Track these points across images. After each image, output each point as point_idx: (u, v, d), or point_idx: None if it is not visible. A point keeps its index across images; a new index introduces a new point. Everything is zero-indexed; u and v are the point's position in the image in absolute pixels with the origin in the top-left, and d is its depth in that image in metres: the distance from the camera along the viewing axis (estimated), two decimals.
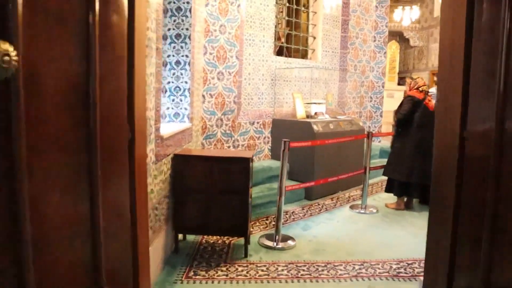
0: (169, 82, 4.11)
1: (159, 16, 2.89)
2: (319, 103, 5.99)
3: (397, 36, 14.74)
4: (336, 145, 5.53)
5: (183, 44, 4.06)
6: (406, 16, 12.55)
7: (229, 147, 5.22)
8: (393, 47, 14.24)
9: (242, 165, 3.39)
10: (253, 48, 5.44)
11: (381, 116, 7.85)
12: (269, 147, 5.81)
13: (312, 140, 5.13)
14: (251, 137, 5.50)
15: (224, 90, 5.07)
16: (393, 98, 12.89)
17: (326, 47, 6.75)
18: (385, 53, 7.76)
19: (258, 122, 5.57)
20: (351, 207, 5.03)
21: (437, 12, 13.97)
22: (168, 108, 4.15)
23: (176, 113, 4.15)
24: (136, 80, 2.04)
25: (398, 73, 15.18)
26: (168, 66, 4.09)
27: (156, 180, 3.00)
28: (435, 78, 13.82)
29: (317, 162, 5.27)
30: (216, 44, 4.90)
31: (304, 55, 6.66)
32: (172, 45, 4.06)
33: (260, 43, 5.54)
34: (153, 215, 2.93)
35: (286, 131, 5.59)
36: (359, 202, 5.17)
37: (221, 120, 5.08)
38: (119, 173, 1.98)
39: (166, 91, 4.12)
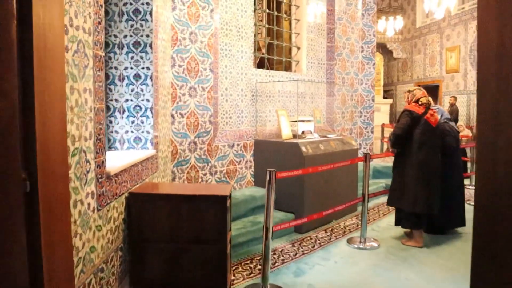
0: (127, 100, 3.37)
1: (99, 14, 2.17)
2: (306, 121, 5.31)
3: (380, 48, 14.34)
4: (326, 163, 4.85)
5: (143, 54, 3.33)
6: (390, 27, 12.12)
7: (205, 174, 4.47)
8: (377, 59, 13.80)
9: (217, 205, 2.65)
10: (229, 59, 4.76)
11: (372, 132, 7.23)
12: (252, 172, 5.09)
13: (300, 164, 4.44)
14: (230, 161, 4.77)
15: (197, 108, 4.35)
16: (379, 112, 12.37)
17: (312, 58, 6.12)
18: (374, 64, 7.19)
19: (238, 144, 4.86)
20: (349, 241, 4.31)
21: (419, 23, 13.67)
22: (127, 132, 3.39)
23: (137, 138, 3.40)
24: (40, 100, 1.30)
25: (383, 86, 14.75)
26: (126, 81, 3.35)
27: (101, 232, 2.24)
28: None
29: (307, 188, 4.56)
30: (186, 55, 4.19)
31: (287, 68, 6.01)
32: (130, 55, 3.34)
33: (238, 54, 4.86)
34: (95, 281, 2.16)
35: (271, 154, 4.88)
36: (357, 234, 4.47)
37: (195, 143, 4.35)
38: (8, 248, 1.25)
39: (124, 111, 3.38)
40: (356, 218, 5.19)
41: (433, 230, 4.43)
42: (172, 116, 4.11)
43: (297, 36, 6.04)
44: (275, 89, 5.43)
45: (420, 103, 4.09)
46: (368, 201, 4.28)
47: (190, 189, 3.02)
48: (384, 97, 14.78)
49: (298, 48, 6.05)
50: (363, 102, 7.16)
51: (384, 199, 5.93)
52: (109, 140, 3.38)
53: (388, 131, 12.07)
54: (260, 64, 5.64)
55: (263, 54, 5.62)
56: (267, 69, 5.48)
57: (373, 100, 7.23)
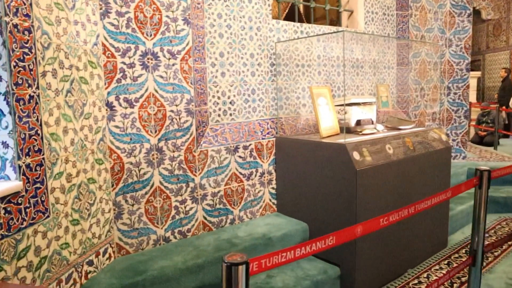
0: None
1: None
2: (364, 104, 3.25)
3: None
4: (397, 180, 2.82)
5: None
6: None
7: (183, 202, 2.61)
8: None
9: None
10: (227, 3, 2.81)
11: (465, 117, 4.92)
12: (273, 191, 3.14)
13: (350, 183, 2.45)
14: (232, 176, 2.86)
15: (162, 89, 2.48)
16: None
17: (373, 6, 3.96)
18: (469, 16, 4.82)
19: (246, 147, 2.93)
20: None
21: None
22: None
23: None
24: None
25: None
26: None
27: None
28: None
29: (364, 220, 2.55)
30: None
31: (334, 22, 3.92)
32: None
33: None
34: None
35: (302, 161, 2.91)
36: None
37: (160, 150, 2.50)
38: None
39: None
40: (448, 265, 3.09)
41: None
42: (110, 105, 2.28)
43: None
44: (312, 53, 3.39)
45: None
46: (482, 260, 2.18)
47: None
48: (471, 70, 11.95)
49: None
50: (452, 73, 4.85)
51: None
52: None
53: (477, 112, 9.44)
54: (289, 17, 3.62)
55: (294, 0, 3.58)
56: (301, 22, 3.43)
57: (467, 70, 4.90)
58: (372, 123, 3.34)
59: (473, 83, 11.50)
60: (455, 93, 4.88)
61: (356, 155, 2.56)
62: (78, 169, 2.00)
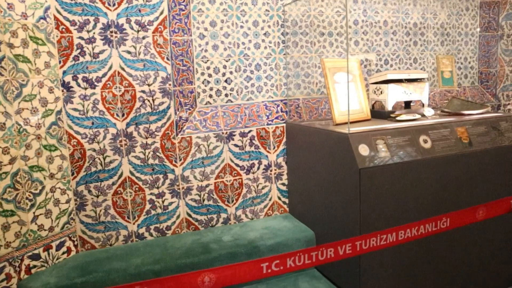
0: None
1: None
2: (408, 81, 2.52)
3: None
4: (433, 186, 2.13)
5: None
6: None
7: (160, 196, 2.30)
8: None
9: None
10: None
11: None
12: (282, 187, 2.64)
13: (352, 187, 1.89)
14: (225, 168, 2.45)
15: (130, 66, 2.17)
16: None
17: None
18: None
19: (244, 133, 2.48)
20: None
21: None
22: None
23: None
24: None
25: None
26: None
27: None
28: None
29: (370, 221, 1.93)
30: None
31: None
32: None
33: None
34: None
35: (310, 154, 2.36)
36: None
37: (130, 136, 2.21)
38: None
39: None
40: None
41: None
42: (66, 85, 2.06)
43: None
44: (346, 18, 2.73)
45: None
46: None
47: None
48: None
49: None
50: None
51: None
52: None
53: None
54: None
55: None
56: None
57: None
58: (423, 106, 2.59)
59: None
60: None
61: (362, 149, 1.94)
62: (12, 155, 1.83)
